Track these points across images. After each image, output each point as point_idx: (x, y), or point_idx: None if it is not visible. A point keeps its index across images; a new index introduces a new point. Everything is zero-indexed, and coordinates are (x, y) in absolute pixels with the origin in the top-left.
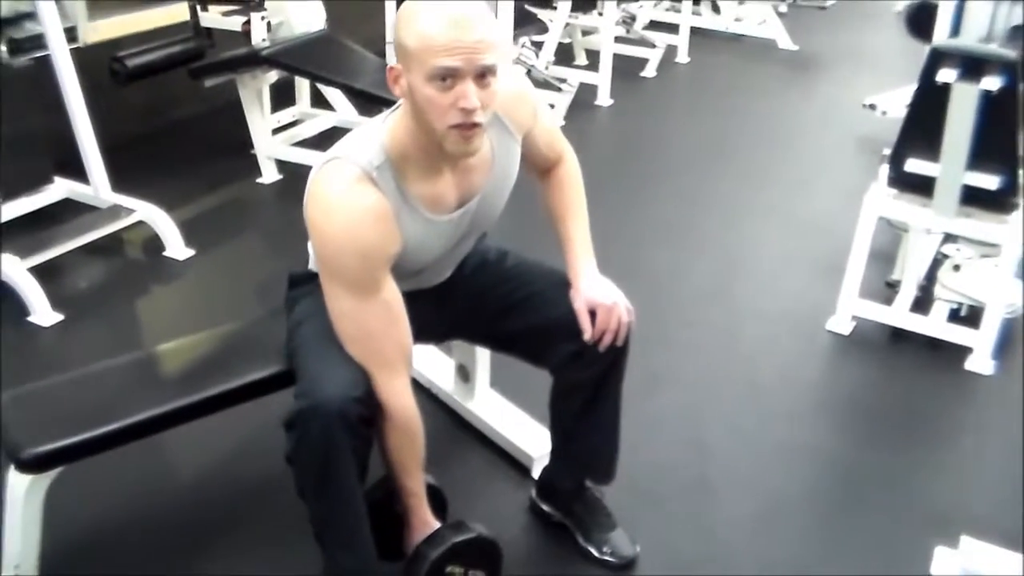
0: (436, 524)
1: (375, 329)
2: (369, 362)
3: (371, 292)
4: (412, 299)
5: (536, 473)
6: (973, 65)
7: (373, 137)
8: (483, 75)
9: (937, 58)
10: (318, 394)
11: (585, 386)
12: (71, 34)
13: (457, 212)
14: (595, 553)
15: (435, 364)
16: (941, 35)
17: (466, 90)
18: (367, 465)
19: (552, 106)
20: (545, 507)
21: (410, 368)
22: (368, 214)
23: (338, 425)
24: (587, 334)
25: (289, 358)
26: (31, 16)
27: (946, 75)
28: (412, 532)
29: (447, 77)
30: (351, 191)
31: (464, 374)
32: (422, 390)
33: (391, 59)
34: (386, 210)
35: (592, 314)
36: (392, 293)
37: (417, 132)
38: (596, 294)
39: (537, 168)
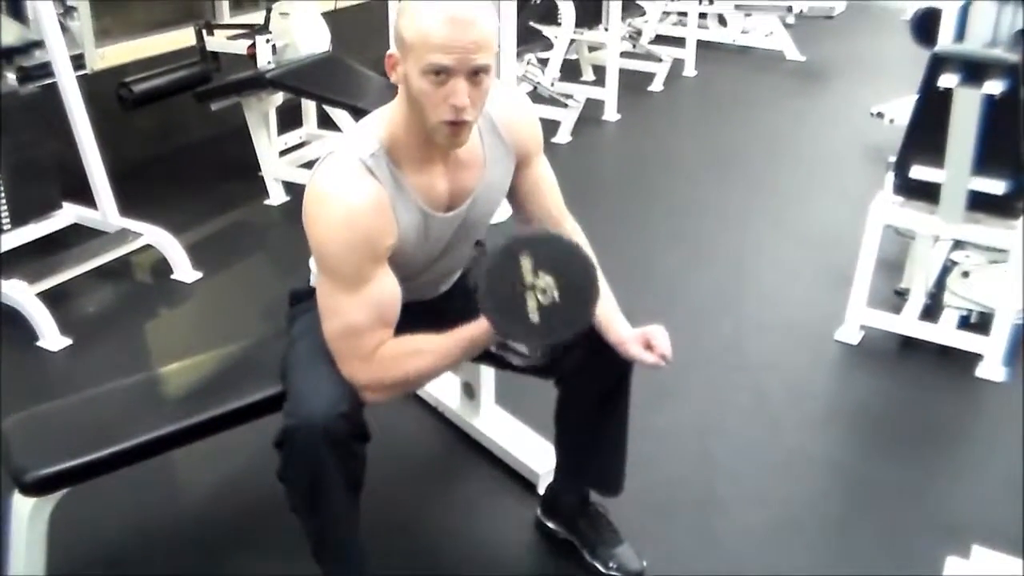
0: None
1: (358, 322)
2: (353, 357)
3: (359, 284)
4: (412, 313)
5: (542, 489)
6: (975, 69)
7: (368, 128)
8: (476, 73)
9: (939, 63)
10: (303, 412)
11: (593, 397)
12: (79, 61)
13: (451, 213)
14: (601, 569)
15: (440, 382)
16: (946, 41)
17: (457, 87)
18: (361, 479)
19: (559, 122)
20: (550, 524)
21: (390, 332)
22: (365, 203)
23: (324, 443)
24: (659, 357)
25: (282, 376)
26: (40, 44)
27: (948, 80)
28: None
29: (440, 73)
30: (348, 182)
31: (469, 391)
32: (428, 408)
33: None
34: (383, 199)
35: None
36: (388, 286)
37: (412, 119)
38: (638, 329)
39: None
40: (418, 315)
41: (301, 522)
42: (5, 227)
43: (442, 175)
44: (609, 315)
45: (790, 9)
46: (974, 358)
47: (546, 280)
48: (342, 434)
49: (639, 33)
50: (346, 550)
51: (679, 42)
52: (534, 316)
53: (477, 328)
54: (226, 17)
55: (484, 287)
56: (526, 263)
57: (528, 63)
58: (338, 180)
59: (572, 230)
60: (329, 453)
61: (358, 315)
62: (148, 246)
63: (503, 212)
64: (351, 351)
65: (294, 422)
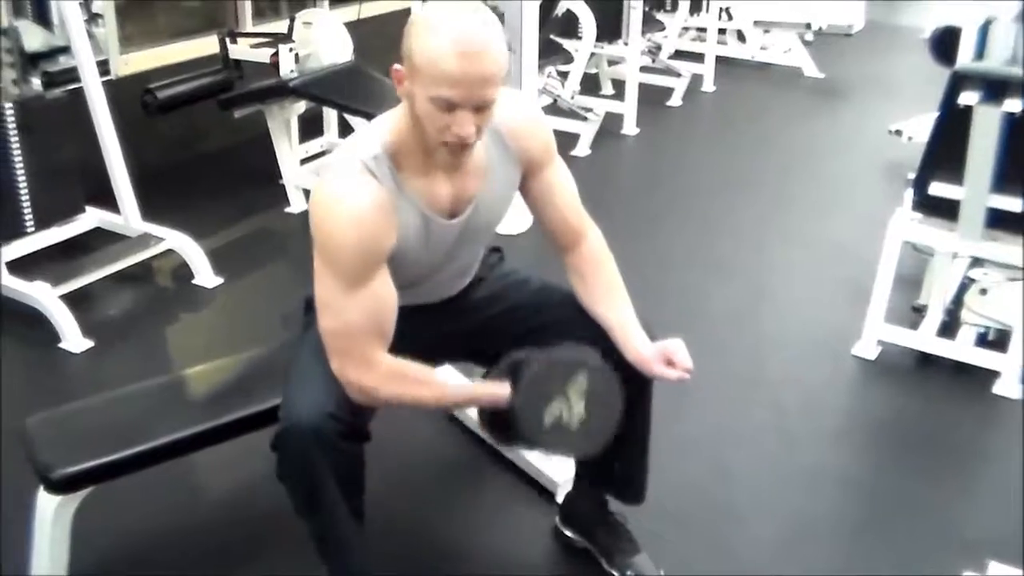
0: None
1: (356, 322)
2: (347, 355)
3: (360, 284)
4: (424, 315)
5: (560, 498)
6: (995, 87)
7: (371, 132)
8: (483, 107)
9: (959, 81)
10: (293, 414)
11: None
12: (104, 67)
13: (454, 220)
14: None
15: None
16: (965, 59)
17: (463, 119)
18: (358, 478)
19: (578, 135)
20: (568, 533)
21: (387, 346)
22: (367, 201)
23: (314, 443)
24: (683, 372)
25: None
26: (65, 50)
27: (968, 98)
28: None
29: (447, 104)
30: (351, 183)
31: None
32: (447, 415)
33: None
34: (385, 200)
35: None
36: (385, 293)
37: (416, 129)
38: (657, 345)
39: (560, 238)
40: (436, 317)
41: (304, 522)
42: (29, 230)
43: (445, 181)
44: (628, 329)
45: (809, 26)
46: (991, 375)
47: (579, 408)
48: (331, 434)
49: (659, 48)
50: (348, 549)
51: (698, 57)
52: (547, 421)
53: (490, 391)
54: (249, 26)
55: (532, 374)
56: (579, 383)
57: (548, 76)
58: (340, 180)
59: (595, 241)
60: (320, 453)
61: (355, 315)
62: (170, 251)
63: (523, 222)
64: (343, 349)
65: (285, 425)
